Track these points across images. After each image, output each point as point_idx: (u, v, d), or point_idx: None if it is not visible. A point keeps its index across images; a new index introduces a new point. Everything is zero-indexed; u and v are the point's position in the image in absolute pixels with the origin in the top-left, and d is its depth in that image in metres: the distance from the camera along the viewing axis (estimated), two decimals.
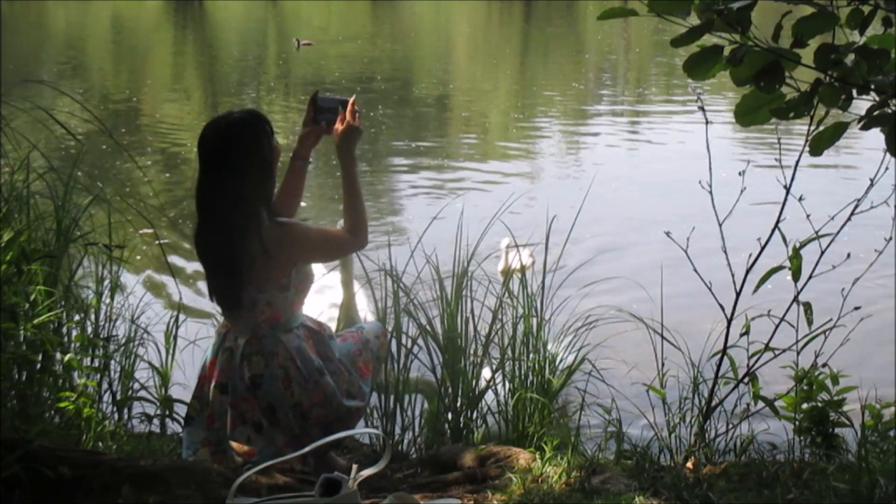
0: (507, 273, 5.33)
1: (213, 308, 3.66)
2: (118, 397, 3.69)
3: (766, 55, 2.26)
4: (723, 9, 2.22)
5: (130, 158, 4.35)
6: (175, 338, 3.93)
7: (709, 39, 2.32)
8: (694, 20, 2.29)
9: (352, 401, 3.33)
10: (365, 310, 4.53)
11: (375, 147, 12.23)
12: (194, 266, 7.14)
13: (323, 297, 5.30)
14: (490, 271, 4.51)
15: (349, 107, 3.38)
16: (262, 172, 3.17)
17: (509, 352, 3.95)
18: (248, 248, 3.13)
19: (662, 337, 3.65)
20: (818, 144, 2.38)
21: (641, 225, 8.33)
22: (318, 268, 5.38)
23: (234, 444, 3.24)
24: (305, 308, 3.41)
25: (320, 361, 3.29)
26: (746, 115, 2.40)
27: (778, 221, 3.10)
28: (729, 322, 3.22)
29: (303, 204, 3.82)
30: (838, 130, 2.35)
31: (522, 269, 4.07)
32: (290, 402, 3.23)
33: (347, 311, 4.38)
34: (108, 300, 3.85)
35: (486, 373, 3.98)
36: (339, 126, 3.37)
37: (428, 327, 4.02)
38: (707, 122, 3.26)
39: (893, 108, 2.22)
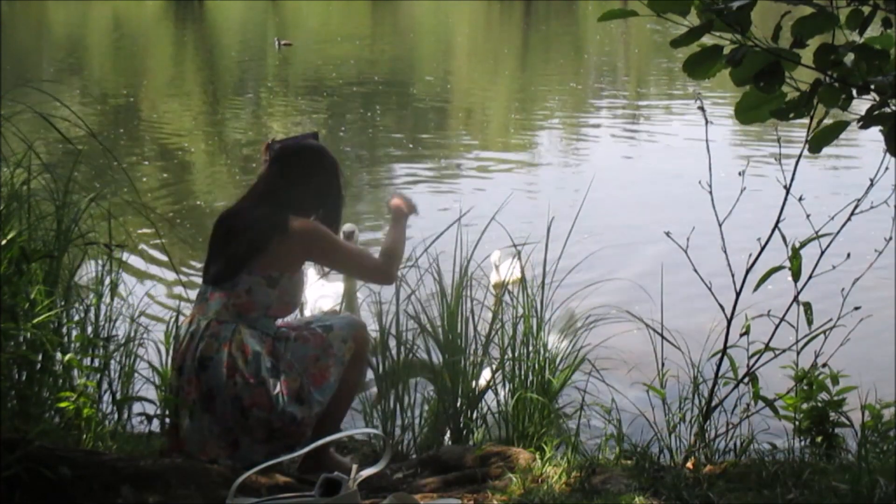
0: (502, 286, 5.30)
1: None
2: (118, 397, 3.68)
3: (766, 55, 2.26)
4: (723, 9, 2.22)
5: (85, 188, 4.32)
6: (175, 338, 3.92)
7: (708, 40, 2.32)
8: (694, 20, 2.29)
9: (298, 406, 3.21)
10: (364, 299, 4.56)
11: (374, 147, 12.23)
12: (194, 266, 7.14)
13: (323, 288, 5.37)
14: (489, 270, 4.50)
15: (402, 199, 3.78)
16: (310, 196, 3.42)
17: (509, 352, 3.95)
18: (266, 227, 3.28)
19: (662, 337, 3.64)
20: (818, 142, 2.38)
21: (641, 225, 8.32)
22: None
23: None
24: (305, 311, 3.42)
25: (273, 362, 3.22)
26: (747, 113, 2.41)
27: (778, 221, 3.10)
28: (729, 322, 3.22)
29: None
30: (837, 129, 2.35)
31: (522, 278, 4.05)
32: (231, 394, 3.16)
33: (349, 300, 4.44)
34: (108, 300, 3.84)
35: (486, 373, 3.98)
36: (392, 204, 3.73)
37: (428, 327, 4.02)
38: (707, 123, 3.26)
39: (893, 107, 2.22)
